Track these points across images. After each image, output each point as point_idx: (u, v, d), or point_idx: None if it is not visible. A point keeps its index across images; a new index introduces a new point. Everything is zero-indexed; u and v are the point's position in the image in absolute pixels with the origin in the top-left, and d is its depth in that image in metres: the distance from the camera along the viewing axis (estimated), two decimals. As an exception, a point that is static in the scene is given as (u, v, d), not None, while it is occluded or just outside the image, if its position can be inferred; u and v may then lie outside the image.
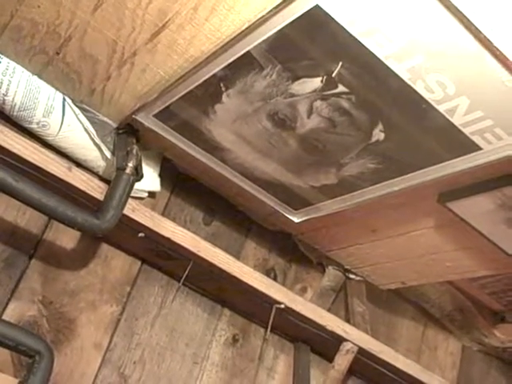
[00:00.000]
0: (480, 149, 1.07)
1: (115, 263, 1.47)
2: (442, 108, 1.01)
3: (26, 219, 1.36)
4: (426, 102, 1.00)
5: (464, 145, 1.07)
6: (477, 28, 0.85)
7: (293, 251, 1.76)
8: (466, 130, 1.04)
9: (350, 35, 0.92)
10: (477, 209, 1.23)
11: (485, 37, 0.85)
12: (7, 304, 1.31)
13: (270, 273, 1.71)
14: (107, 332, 1.43)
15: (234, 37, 0.99)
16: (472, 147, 1.07)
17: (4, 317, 1.29)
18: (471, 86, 0.95)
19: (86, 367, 1.38)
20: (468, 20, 0.84)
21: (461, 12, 0.84)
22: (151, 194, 1.52)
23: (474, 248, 1.43)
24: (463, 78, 0.94)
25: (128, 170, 1.29)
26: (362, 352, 1.63)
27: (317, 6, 0.89)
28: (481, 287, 1.79)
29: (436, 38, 0.89)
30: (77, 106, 1.33)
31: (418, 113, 1.04)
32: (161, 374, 1.49)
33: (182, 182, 1.59)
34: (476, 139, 1.05)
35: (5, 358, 1.27)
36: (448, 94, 0.97)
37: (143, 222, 1.34)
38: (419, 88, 0.98)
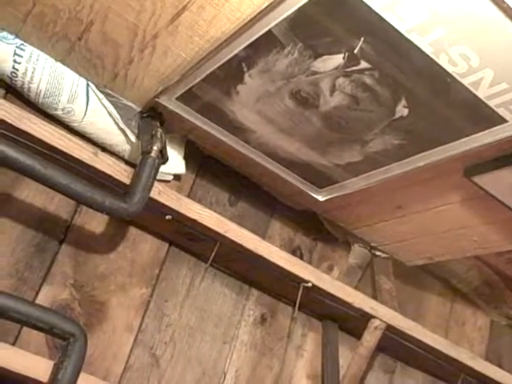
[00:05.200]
0: (505, 121, 1.06)
1: (143, 246, 1.49)
2: (466, 81, 1.00)
3: (55, 205, 1.38)
4: (450, 75, 0.99)
5: (489, 118, 1.06)
6: (500, -2, 0.84)
7: (318, 230, 1.76)
8: (491, 103, 1.03)
9: (371, 10, 0.91)
10: (503, 182, 1.22)
11: (508, 6, 0.84)
12: (40, 288, 1.34)
13: (296, 252, 1.72)
14: (138, 314, 1.46)
15: (255, 16, 0.99)
16: (497, 120, 1.06)
17: (37, 301, 1.32)
18: (495, 57, 0.94)
19: (118, 348, 1.41)
20: (491, -10, 0.83)
21: (484, -18, 0.83)
22: (177, 177, 1.53)
23: (500, 222, 1.42)
24: (487, 50, 0.93)
25: (153, 154, 1.30)
26: (389, 329, 1.63)
27: (337, -18, 0.89)
28: (508, 261, 1.78)
29: (458, 10, 0.88)
30: (100, 91, 1.34)
31: (442, 87, 1.03)
32: (191, 353, 1.52)
33: (206, 164, 1.59)
34: (501, 112, 1.04)
35: (40, 340, 1.30)
36: (472, 66, 0.96)
37: (170, 205, 1.35)
38: (443, 62, 0.97)
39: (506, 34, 0.89)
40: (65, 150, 1.25)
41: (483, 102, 1.03)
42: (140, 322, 1.46)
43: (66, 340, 1.18)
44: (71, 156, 1.25)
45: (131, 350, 1.43)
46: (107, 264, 1.43)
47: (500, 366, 1.90)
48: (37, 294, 1.33)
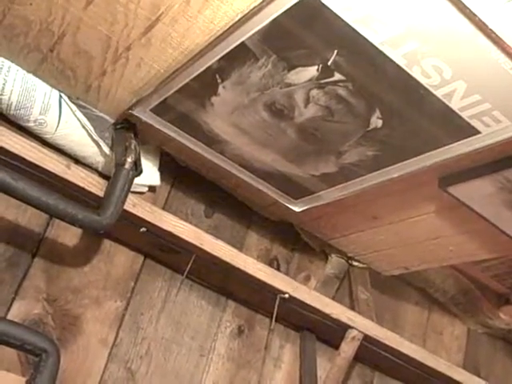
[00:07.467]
0: (479, 132, 1.06)
1: (118, 259, 1.48)
2: (439, 93, 1.00)
3: (27, 218, 1.36)
4: (423, 87, 0.99)
5: (463, 129, 1.06)
6: (471, 11, 0.84)
7: (295, 240, 1.76)
8: (464, 114, 1.03)
9: (345, 22, 0.91)
10: (477, 192, 1.23)
11: (480, 20, 0.85)
12: (12, 303, 1.31)
13: (273, 262, 1.71)
14: (112, 328, 1.44)
15: (228, 28, 0.99)
16: (471, 131, 1.06)
17: (9, 316, 1.29)
18: (468, 69, 0.94)
19: (92, 363, 1.39)
20: (462, 3, 0.83)
21: (455, -5, 0.83)
22: (151, 189, 1.52)
23: (475, 231, 1.43)
24: (459, 62, 0.94)
25: (127, 165, 1.29)
26: (367, 339, 1.63)
27: (310, -6, 0.89)
28: (484, 270, 1.79)
29: (430, 23, 0.88)
30: (73, 103, 1.32)
31: (416, 98, 1.03)
32: (167, 367, 1.50)
33: (182, 176, 1.58)
34: (474, 123, 1.04)
35: (12, 357, 1.27)
36: (445, 78, 0.97)
37: (144, 217, 1.34)
38: (416, 73, 0.97)
39: (477, 47, 0.89)
40: (36, 162, 1.23)
41: (456, 114, 1.03)
42: (115, 335, 1.44)
43: (38, 356, 1.16)
44: (43, 168, 1.24)
45: (106, 365, 1.41)
46: (81, 277, 1.41)
47: (477, 375, 1.92)
48: (8, 309, 1.30)
